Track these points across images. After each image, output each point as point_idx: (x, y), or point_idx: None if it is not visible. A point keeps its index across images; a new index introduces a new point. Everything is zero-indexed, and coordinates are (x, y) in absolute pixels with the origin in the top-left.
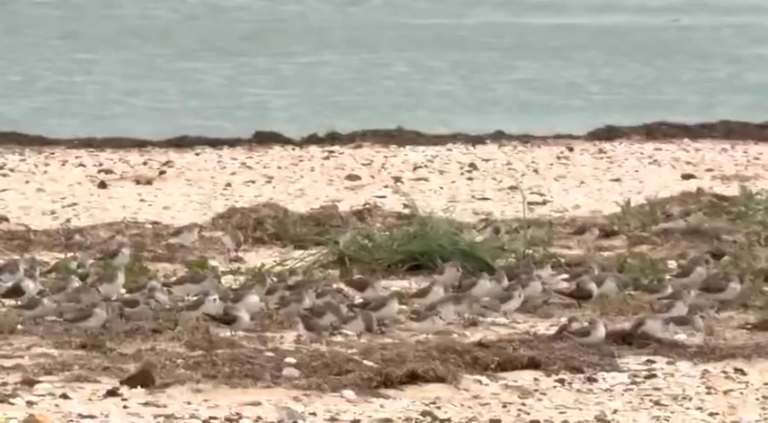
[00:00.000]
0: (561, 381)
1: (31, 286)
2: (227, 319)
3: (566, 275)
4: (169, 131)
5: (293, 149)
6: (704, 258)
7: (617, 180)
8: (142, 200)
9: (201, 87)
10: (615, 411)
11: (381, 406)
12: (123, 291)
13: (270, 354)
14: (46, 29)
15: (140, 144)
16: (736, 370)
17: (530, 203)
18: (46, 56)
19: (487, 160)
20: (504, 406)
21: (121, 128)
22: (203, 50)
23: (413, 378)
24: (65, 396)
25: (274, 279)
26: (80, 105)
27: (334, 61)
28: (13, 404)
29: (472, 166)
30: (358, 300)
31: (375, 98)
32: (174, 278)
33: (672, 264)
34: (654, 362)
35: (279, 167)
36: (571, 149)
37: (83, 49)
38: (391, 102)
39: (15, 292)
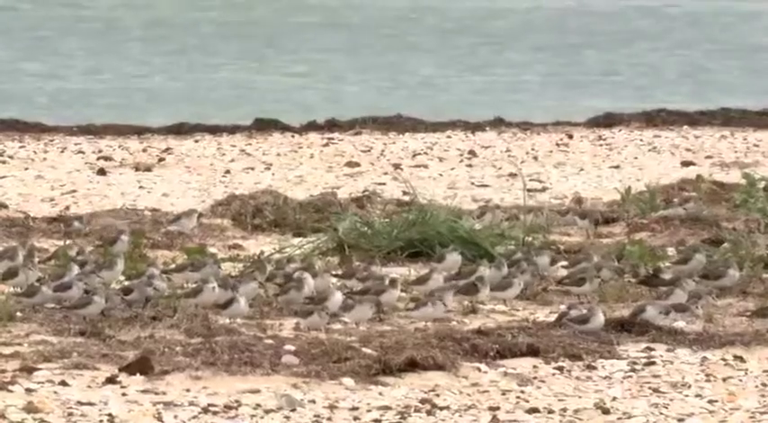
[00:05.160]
0: (560, 368)
1: (30, 274)
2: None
3: (564, 262)
4: (168, 118)
5: (292, 136)
6: (701, 245)
7: (616, 167)
8: (141, 187)
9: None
10: (614, 399)
11: (380, 393)
12: (122, 278)
13: (269, 341)
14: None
15: (139, 131)
16: (736, 357)
17: (529, 190)
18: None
19: (487, 147)
20: (503, 393)
21: (121, 115)
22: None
23: (412, 366)
24: (64, 383)
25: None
26: (79, 93)
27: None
28: (12, 391)
29: (472, 153)
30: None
31: (374, 86)
32: (173, 265)
33: (671, 251)
34: (653, 349)
35: (278, 154)
36: (570, 136)
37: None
38: (390, 89)
39: (12, 276)
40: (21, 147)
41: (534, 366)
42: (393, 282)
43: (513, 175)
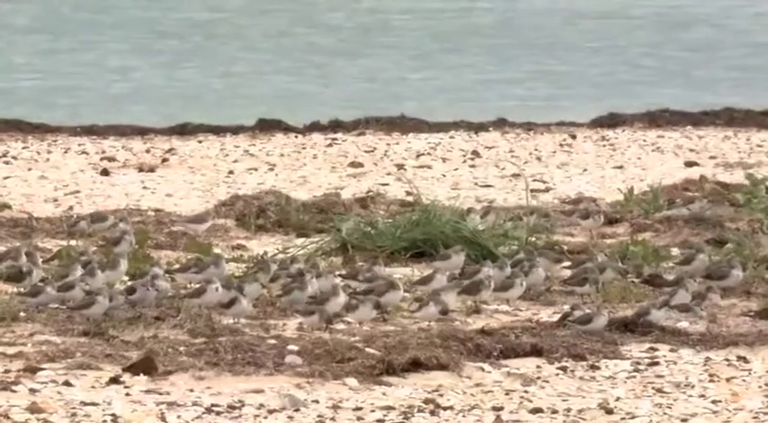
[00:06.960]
0: (564, 368)
1: (33, 273)
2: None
3: (568, 263)
4: (172, 119)
5: (296, 137)
6: (702, 246)
7: (620, 167)
8: (145, 187)
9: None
10: (618, 399)
11: (384, 393)
12: (126, 278)
13: (272, 341)
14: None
15: (143, 131)
16: (739, 357)
17: (532, 191)
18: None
19: (490, 148)
20: (507, 393)
21: (124, 115)
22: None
23: (415, 365)
24: (67, 383)
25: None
26: (82, 92)
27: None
28: (15, 392)
29: (475, 153)
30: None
31: (377, 86)
32: (177, 265)
33: (675, 251)
34: (656, 349)
35: (281, 155)
36: (574, 137)
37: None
38: (394, 89)
39: (16, 277)
40: (24, 147)
41: (538, 366)
42: (395, 282)
43: (516, 175)
